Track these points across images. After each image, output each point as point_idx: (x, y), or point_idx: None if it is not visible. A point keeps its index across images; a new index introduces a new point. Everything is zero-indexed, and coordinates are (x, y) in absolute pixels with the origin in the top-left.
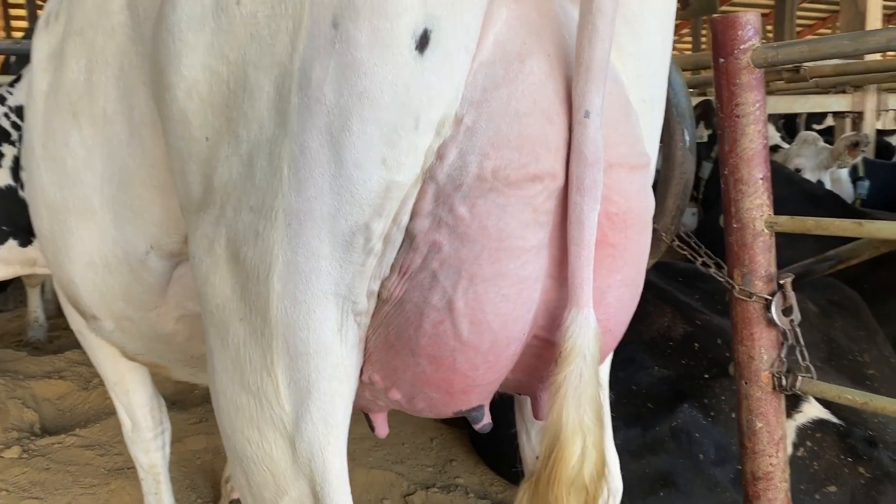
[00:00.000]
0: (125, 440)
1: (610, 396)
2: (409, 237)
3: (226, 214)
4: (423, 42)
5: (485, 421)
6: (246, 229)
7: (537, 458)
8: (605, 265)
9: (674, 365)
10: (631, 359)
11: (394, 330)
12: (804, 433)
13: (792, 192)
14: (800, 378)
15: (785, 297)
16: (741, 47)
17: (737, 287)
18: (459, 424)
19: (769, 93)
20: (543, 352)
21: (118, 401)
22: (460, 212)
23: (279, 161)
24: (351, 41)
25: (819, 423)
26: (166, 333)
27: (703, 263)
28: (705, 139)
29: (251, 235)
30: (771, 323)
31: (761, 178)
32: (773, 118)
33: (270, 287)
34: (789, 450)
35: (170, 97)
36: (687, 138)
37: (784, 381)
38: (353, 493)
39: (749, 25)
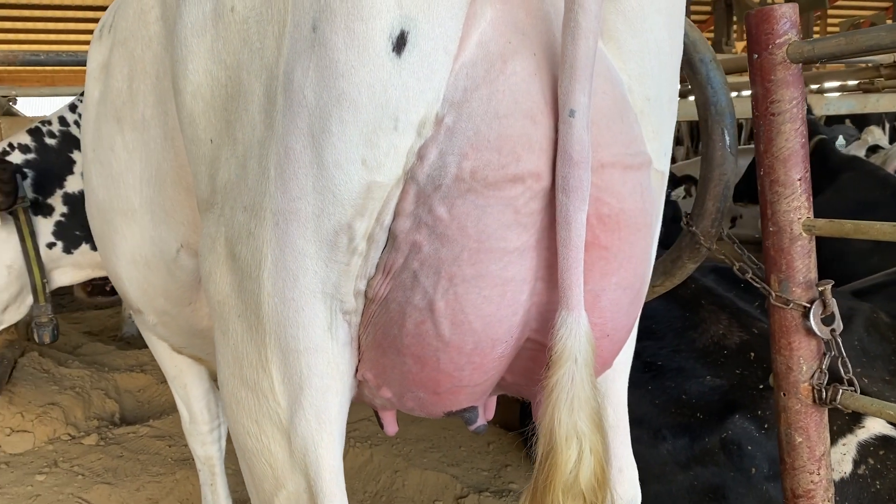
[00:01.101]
0: (184, 432)
1: (656, 405)
2: (392, 237)
3: (224, 213)
4: (400, 43)
5: (479, 423)
6: (241, 228)
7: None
8: (597, 268)
9: (727, 374)
10: (681, 367)
11: (380, 329)
12: (866, 450)
13: (886, 195)
14: (841, 391)
15: (825, 305)
16: (776, 42)
17: (773, 294)
18: (517, 429)
19: (873, 90)
20: (539, 355)
21: (177, 394)
22: (439, 212)
23: (267, 162)
24: (328, 44)
25: (882, 440)
26: (201, 329)
27: (740, 269)
28: None
29: (245, 234)
30: (810, 332)
31: (799, 179)
32: (888, 117)
33: (261, 285)
34: (849, 467)
35: (180, 101)
36: (727, 138)
37: (824, 394)
38: (406, 493)
39: (784, 19)
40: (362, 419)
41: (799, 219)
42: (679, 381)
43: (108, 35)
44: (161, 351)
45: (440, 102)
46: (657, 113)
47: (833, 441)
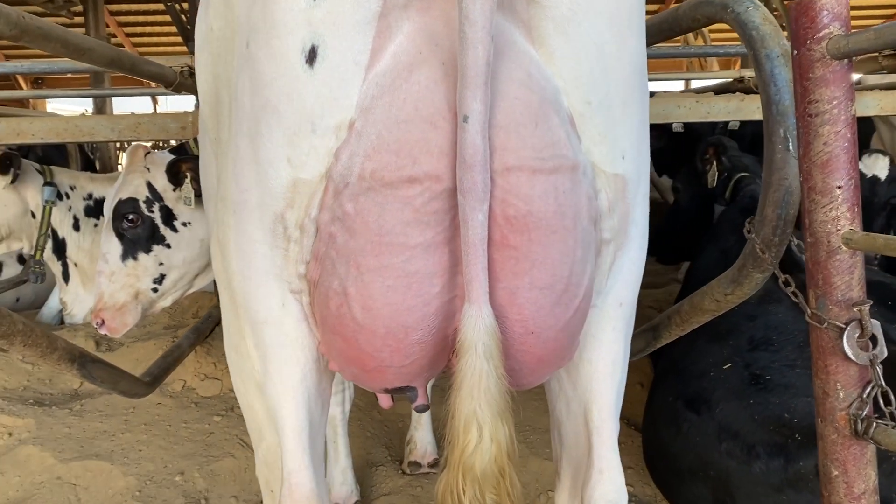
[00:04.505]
0: None
1: (755, 420)
2: (318, 227)
3: (214, 203)
4: (311, 57)
5: (419, 402)
6: (219, 216)
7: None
8: (509, 267)
9: None
10: (791, 384)
11: (318, 308)
12: None
13: None
14: (875, 424)
15: (862, 328)
16: (815, 37)
17: (808, 311)
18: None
19: None
20: None
21: None
22: (347, 208)
23: (227, 159)
24: (255, 58)
25: None
26: None
27: (785, 282)
28: None
29: (221, 220)
30: (848, 356)
31: (839, 188)
32: None
33: (229, 263)
34: None
35: (200, 108)
36: (789, 140)
37: (859, 426)
38: (522, 479)
39: (825, 11)
40: None
41: (838, 230)
42: (785, 398)
43: None
44: None
45: (354, 109)
46: (603, 116)
47: None
